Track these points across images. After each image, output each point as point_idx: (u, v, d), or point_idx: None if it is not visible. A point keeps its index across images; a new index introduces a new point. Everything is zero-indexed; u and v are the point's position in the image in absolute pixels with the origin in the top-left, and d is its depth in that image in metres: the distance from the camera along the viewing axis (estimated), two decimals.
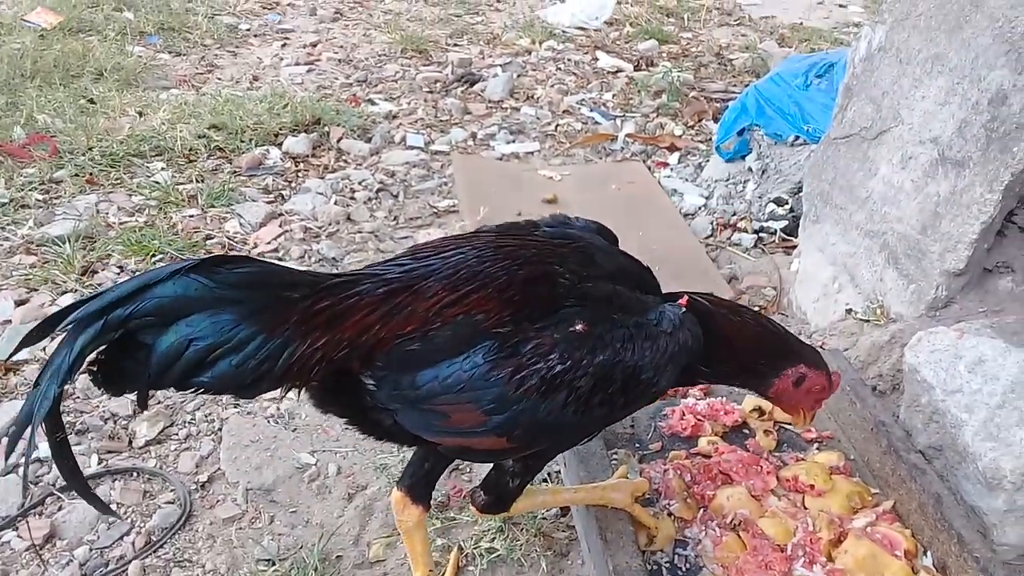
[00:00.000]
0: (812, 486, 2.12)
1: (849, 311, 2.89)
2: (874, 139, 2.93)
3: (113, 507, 2.34)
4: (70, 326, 1.31)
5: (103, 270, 3.37)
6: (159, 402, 2.72)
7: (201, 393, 1.44)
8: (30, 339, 1.35)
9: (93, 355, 1.34)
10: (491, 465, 1.83)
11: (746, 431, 2.39)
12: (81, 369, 1.33)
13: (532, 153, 4.84)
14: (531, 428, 1.50)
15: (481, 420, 1.47)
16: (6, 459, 1.41)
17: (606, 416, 1.63)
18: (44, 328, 1.36)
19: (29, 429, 1.29)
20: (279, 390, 1.47)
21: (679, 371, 1.63)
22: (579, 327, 1.50)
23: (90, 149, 4.31)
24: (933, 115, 2.63)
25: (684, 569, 1.97)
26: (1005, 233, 2.55)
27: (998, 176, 2.39)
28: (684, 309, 1.64)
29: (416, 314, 1.48)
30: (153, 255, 3.44)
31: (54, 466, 2.39)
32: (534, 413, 1.47)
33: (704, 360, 1.72)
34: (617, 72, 6.03)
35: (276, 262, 1.58)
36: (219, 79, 5.58)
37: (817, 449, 2.32)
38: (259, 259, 1.57)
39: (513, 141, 4.96)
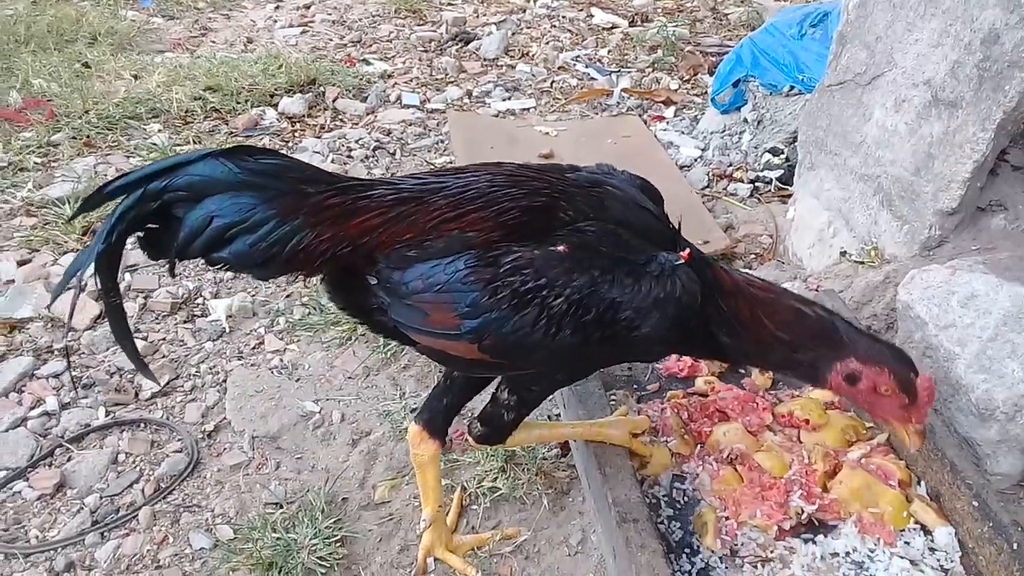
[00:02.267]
0: (807, 421, 2.16)
1: (844, 254, 2.91)
2: (868, 84, 2.93)
3: (121, 457, 2.39)
4: (115, 189, 1.46)
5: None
6: (163, 356, 2.76)
7: (222, 269, 1.56)
8: (86, 206, 1.53)
9: (137, 225, 1.49)
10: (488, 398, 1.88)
11: (742, 371, 2.42)
12: (124, 230, 1.46)
13: (528, 109, 4.84)
14: (501, 340, 1.53)
15: (455, 323, 1.52)
16: (50, 303, 1.61)
17: (584, 348, 1.59)
18: (95, 197, 1.50)
19: (76, 276, 1.46)
20: (287, 276, 1.58)
21: (671, 325, 1.57)
22: (561, 248, 1.52)
23: (86, 112, 4.32)
24: (926, 57, 2.64)
25: (682, 502, 2.01)
26: (997, 172, 2.57)
27: (990, 115, 2.40)
28: (682, 260, 1.59)
29: (416, 224, 1.54)
30: None
31: (63, 417, 2.46)
32: (504, 325, 1.50)
33: (715, 326, 1.68)
34: (612, 28, 6.01)
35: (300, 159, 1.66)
36: (213, 42, 5.57)
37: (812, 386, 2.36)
38: (285, 154, 1.64)
39: (509, 98, 4.96)
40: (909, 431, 1.71)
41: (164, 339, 2.85)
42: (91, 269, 1.45)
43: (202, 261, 1.54)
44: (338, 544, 2.08)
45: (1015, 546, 1.72)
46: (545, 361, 1.60)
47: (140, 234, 1.53)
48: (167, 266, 1.57)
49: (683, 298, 1.55)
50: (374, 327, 1.71)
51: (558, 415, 2.42)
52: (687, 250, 1.65)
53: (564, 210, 1.59)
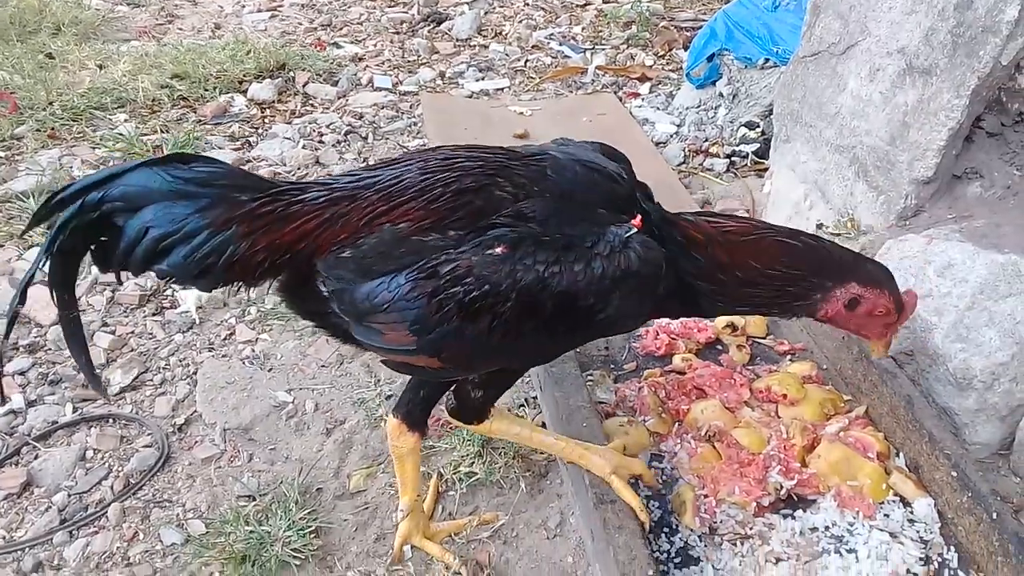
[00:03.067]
0: (785, 395, 2.14)
1: (820, 226, 2.88)
2: (842, 54, 2.90)
3: (89, 454, 2.33)
4: (57, 202, 1.45)
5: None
6: (132, 350, 2.71)
7: (166, 281, 1.54)
8: (35, 219, 1.51)
9: (81, 236, 1.47)
10: None
11: (719, 347, 2.40)
12: (67, 241, 1.44)
13: (502, 89, 4.78)
14: (460, 351, 1.48)
15: (410, 340, 1.47)
16: (8, 313, 1.58)
17: (551, 342, 1.56)
18: (42, 210, 1.49)
19: (19, 289, 1.49)
20: (229, 287, 1.53)
21: (636, 299, 1.51)
22: (499, 249, 1.44)
23: (51, 104, 4.23)
24: (900, 25, 2.60)
25: (660, 481, 1.99)
26: (973, 139, 2.54)
27: (965, 81, 2.37)
28: (634, 230, 1.51)
29: (350, 223, 1.49)
30: None
31: (28, 414, 2.41)
32: (459, 336, 1.45)
33: (695, 280, 1.62)
34: (586, 5, 5.95)
35: (238, 167, 1.62)
36: (180, 29, 5.48)
37: (790, 361, 2.34)
38: (222, 161, 1.60)
39: (482, 78, 4.90)
40: (881, 343, 1.73)
41: (132, 332, 2.79)
42: (38, 276, 1.47)
43: (152, 274, 1.53)
44: (313, 535, 2.04)
45: (994, 516, 1.70)
46: (514, 359, 1.57)
47: (92, 247, 1.51)
48: (116, 280, 1.58)
49: (642, 269, 1.48)
50: (333, 332, 1.64)
51: (534, 397, 2.39)
52: (639, 217, 1.55)
53: (501, 187, 1.51)
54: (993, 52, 2.30)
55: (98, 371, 1.64)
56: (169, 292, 2.98)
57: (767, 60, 3.98)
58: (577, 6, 5.94)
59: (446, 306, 1.43)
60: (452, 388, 1.84)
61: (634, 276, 1.47)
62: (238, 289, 1.56)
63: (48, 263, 1.46)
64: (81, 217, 1.44)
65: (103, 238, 1.49)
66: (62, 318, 1.55)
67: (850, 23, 2.85)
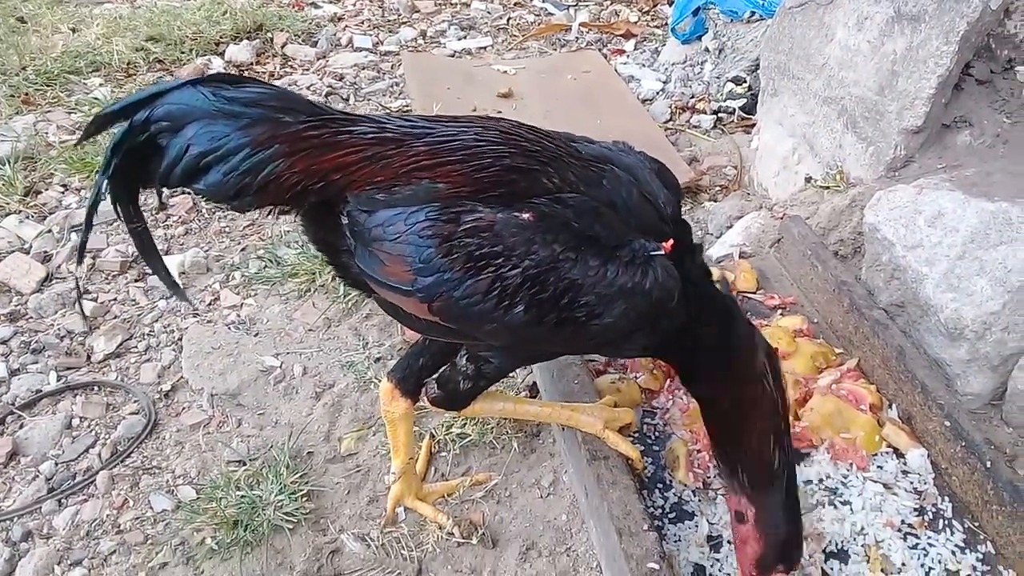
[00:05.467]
0: (776, 349, 2.11)
1: (809, 180, 2.86)
2: (829, 3, 2.85)
3: (75, 422, 2.31)
4: (105, 117, 1.45)
5: (46, 190, 3.26)
6: (115, 317, 2.66)
7: (207, 201, 1.59)
8: (86, 134, 1.51)
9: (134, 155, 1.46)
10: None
11: None
12: (121, 162, 1.44)
13: (485, 48, 4.71)
14: (452, 304, 1.44)
15: (408, 278, 1.44)
16: (81, 242, 1.59)
17: (535, 328, 1.46)
18: (91, 126, 1.48)
19: (88, 207, 1.48)
20: (260, 209, 1.51)
21: (639, 320, 1.45)
22: (525, 216, 1.40)
23: (24, 69, 4.14)
24: None
25: (653, 437, 1.98)
26: (962, 87, 2.51)
27: (954, 27, 2.34)
28: (662, 252, 1.45)
29: (391, 167, 1.45)
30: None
31: (12, 383, 2.37)
32: (456, 288, 1.41)
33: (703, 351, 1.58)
34: None
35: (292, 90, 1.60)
36: None
37: (780, 315, 2.32)
38: (273, 84, 1.58)
39: (464, 37, 4.82)
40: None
41: (115, 299, 2.74)
42: (105, 200, 1.47)
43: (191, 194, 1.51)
44: (305, 499, 2.02)
45: (988, 465, 1.70)
46: (497, 335, 1.50)
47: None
48: (157, 198, 1.55)
49: (654, 292, 1.41)
50: (340, 271, 1.62)
51: (534, 383, 2.35)
52: (671, 241, 1.49)
53: (550, 177, 1.46)
54: None
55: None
56: None
57: (753, 13, 3.93)
58: None
59: (455, 253, 1.39)
60: (437, 377, 1.80)
61: (645, 294, 1.41)
62: (269, 213, 1.54)
63: (107, 185, 1.45)
64: (133, 138, 1.43)
65: (151, 156, 1.47)
66: (132, 232, 1.56)
67: None
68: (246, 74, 4.27)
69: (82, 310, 1.63)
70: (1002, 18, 2.45)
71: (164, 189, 1.50)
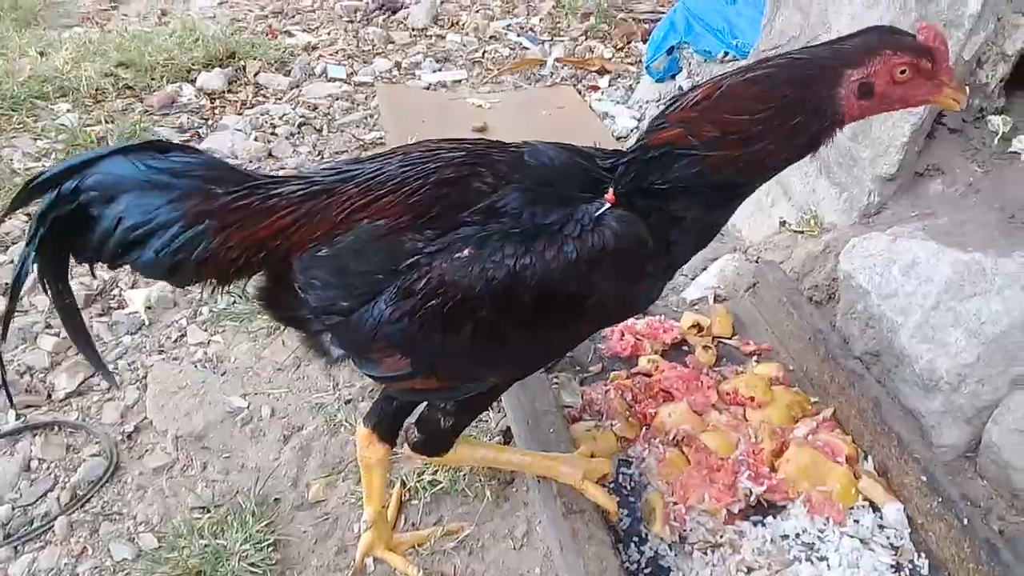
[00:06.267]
0: (752, 398, 2.11)
1: (783, 224, 2.87)
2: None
3: (33, 464, 2.23)
4: (32, 191, 1.41)
5: (11, 218, 3.18)
6: (77, 352, 2.59)
7: (144, 276, 1.54)
8: (13, 205, 1.47)
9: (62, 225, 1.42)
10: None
11: (685, 348, 2.37)
12: (48, 231, 1.40)
13: (459, 81, 4.71)
14: (454, 362, 1.43)
15: (403, 363, 1.43)
16: (6, 312, 1.56)
17: (545, 338, 1.46)
18: (20, 195, 1.45)
19: (13, 279, 1.44)
20: (202, 285, 1.48)
21: (624, 275, 1.40)
22: (465, 252, 1.35)
23: None
24: (861, 19, 2.59)
25: (629, 488, 1.95)
26: (935, 135, 2.54)
27: None
28: (607, 206, 1.39)
29: (327, 218, 1.42)
30: None
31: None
32: (447, 349, 1.40)
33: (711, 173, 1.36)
34: None
35: (219, 156, 1.56)
36: (125, 15, 5.31)
37: (756, 362, 2.32)
38: (201, 151, 1.55)
39: (439, 69, 4.82)
40: (948, 94, 1.37)
41: None
42: (32, 273, 1.43)
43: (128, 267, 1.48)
44: (271, 548, 1.96)
45: (965, 522, 1.69)
46: (511, 362, 1.48)
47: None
48: (88, 268, 1.51)
49: (620, 244, 1.36)
50: (313, 344, 1.58)
51: (507, 428, 2.31)
52: (611, 191, 1.41)
53: (482, 177, 1.42)
54: (955, 46, 2.30)
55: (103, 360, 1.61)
56: (116, 292, 2.87)
57: (727, 54, 3.96)
58: None
59: (427, 321, 1.37)
60: (416, 420, 1.76)
61: (612, 254, 1.36)
62: (213, 289, 1.49)
63: (34, 256, 1.40)
64: (60, 208, 1.39)
65: (82, 227, 1.42)
66: (59, 308, 1.51)
67: (811, 16, 2.84)
68: (218, 101, 4.24)
69: (9, 396, 1.59)
70: (974, 68, 2.49)
71: (97, 263, 1.46)
